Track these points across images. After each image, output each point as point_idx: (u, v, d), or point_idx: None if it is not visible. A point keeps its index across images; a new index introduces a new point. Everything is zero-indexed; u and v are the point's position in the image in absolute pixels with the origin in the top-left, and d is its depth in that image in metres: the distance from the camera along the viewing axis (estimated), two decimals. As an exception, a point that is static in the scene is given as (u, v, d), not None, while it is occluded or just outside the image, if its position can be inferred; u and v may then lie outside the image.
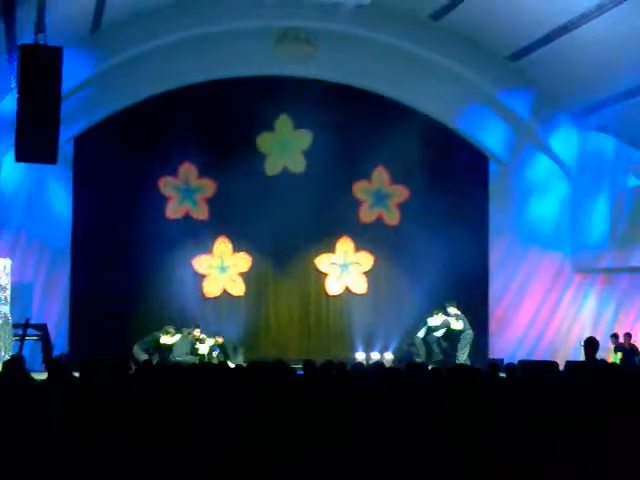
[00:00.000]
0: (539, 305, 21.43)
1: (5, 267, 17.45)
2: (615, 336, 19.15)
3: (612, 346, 18.86)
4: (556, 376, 9.19)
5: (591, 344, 9.58)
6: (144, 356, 17.69)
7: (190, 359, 17.63)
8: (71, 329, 19.74)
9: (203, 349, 18.67)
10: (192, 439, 5.75)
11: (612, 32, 17.19)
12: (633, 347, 18.88)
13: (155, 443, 5.72)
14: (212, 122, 20.29)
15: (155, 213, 20.08)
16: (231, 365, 15.41)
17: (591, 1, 16.75)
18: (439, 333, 19.82)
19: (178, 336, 18.70)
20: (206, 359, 18.22)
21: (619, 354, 18.48)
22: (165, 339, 18.60)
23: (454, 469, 5.43)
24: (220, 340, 19.14)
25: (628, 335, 19.13)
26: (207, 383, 7.81)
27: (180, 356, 17.93)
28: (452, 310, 19.76)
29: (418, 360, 18.04)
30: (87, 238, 19.94)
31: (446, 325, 19.72)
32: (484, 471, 5.44)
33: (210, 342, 19.00)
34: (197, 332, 18.98)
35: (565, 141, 21.22)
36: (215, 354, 18.82)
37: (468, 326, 19.66)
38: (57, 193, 19.80)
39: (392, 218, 21.49)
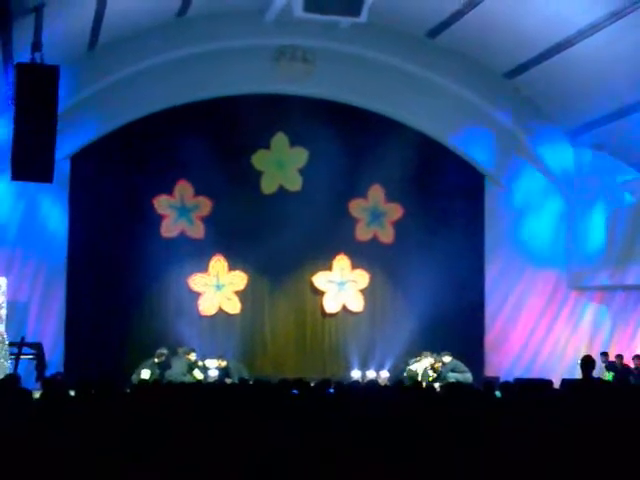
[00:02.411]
0: (535, 323, 21.40)
1: (0, 286, 17.44)
2: (605, 354, 19.14)
3: (603, 365, 18.81)
4: (552, 394, 9.18)
5: (588, 362, 9.59)
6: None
7: (186, 379, 17.52)
8: (66, 348, 19.64)
9: (198, 372, 18.49)
10: (185, 457, 5.73)
11: (608, 49, 17.25)
12: (625, 367, 18.83)
13: (150, 460, 5.70)
14: (208, 140, 20.17)
15: (151, 232, 20.04)
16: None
17: (586, 19, 16.82)
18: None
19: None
20: (202, 380, 18.10)
21: (611, 373, 18.45)
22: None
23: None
24: (223, 363, 18.99)
25: (619, 356, 19.12)
26: (200, 402, 7.79)
27: (176, 375, 17.76)
28: (446, 359, 18.91)
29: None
30: (83, 257, 19.88)
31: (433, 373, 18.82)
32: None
33: (214, 364, 18.83)
34: (192, 356, 18.78)
35: (561, 159, 21.26)
36: (214, 375, 18.64)
37: (466, 374, 18.64)
38: (53, 212, 19.75)
39: (387, 236, 21.47)
